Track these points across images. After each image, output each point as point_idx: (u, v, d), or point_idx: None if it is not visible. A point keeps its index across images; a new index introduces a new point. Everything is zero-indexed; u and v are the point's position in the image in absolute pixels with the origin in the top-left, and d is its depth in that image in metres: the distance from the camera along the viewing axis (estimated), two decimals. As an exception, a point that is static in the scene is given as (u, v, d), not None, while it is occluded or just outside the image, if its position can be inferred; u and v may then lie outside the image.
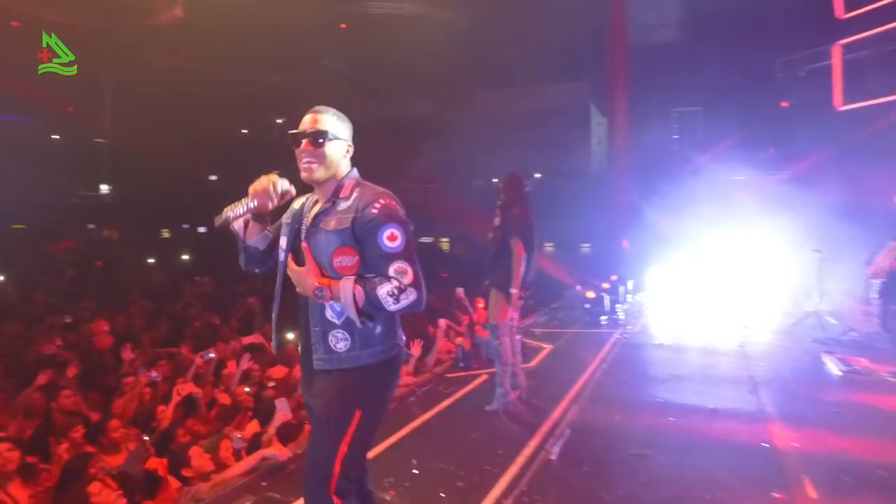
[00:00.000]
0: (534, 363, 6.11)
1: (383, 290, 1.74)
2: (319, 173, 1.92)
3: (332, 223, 1.88)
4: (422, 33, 16.25)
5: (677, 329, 8.15)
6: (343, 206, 1.91)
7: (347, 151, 2.02)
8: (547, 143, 20.50)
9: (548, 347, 6.87)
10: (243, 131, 26.81)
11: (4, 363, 6.41)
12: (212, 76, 20.06)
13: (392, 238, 1.79)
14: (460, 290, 8.47)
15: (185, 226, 25.10)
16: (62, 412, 4.90)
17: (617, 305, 9.21)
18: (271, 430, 4.15)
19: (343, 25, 18.32)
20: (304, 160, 1.93)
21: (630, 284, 10.51)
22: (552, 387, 5.08)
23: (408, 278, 1.76)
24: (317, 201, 2.01)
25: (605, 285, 9.27)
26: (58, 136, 24.85)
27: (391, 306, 1.75)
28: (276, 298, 2.03)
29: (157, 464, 4.13)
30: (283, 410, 4.17)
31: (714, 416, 4.37)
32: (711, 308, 9.25)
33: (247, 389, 4.87)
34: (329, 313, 1.88)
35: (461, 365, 6.02)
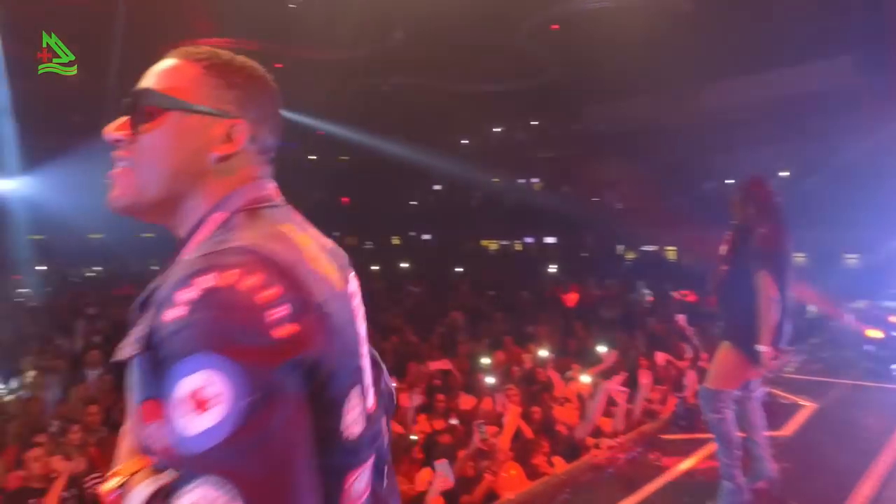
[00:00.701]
0: (788, 431, 4.44)
1: None
2: (132, 195, 0.87)
3: (128, 339, 0.78)
4: (641, 25, 14.65)
5: None
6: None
7: (229, 141, 0.88)
8: (797, 135, 17.23)
9: (809, 406, 5.03)
10: (463, 142, 27.80)
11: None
12: (433, 92, 20.98)
13: (195, 402, 0.65)
14: (681, 318, 6.98)
15: (412, 233, 26.90)
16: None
17: (914, 347, 6.73)
18: (430, 499, 3.44)
19: (555, 27, 17.45)
20: (117, 163, 0.89)
21: (931, 316, 7.74)
22: (823, 479, 3.49)
23: None
24: None
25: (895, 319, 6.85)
26: (315, 157, 28.84)
27: None
28: None
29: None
30: (442, 475, 3.43)
31: None
32: None
33: (413, 438, 4.23)
34: None
35: (681, 423, 4.68)
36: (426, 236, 26.92)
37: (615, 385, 4.74)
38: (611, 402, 4.67)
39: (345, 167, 28.85)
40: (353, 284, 0.97)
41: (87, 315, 9.63)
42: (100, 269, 18.95)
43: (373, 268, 19.35)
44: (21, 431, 4.42)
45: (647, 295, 12.68)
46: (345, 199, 29.10)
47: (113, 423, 4.73)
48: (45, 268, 16.63)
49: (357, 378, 0.84)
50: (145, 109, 0.86)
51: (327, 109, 21.17)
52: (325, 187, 27.67)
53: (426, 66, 19.39)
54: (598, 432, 4.49)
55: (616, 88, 19.57)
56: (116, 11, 11.45)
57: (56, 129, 15.81)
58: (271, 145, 0.96)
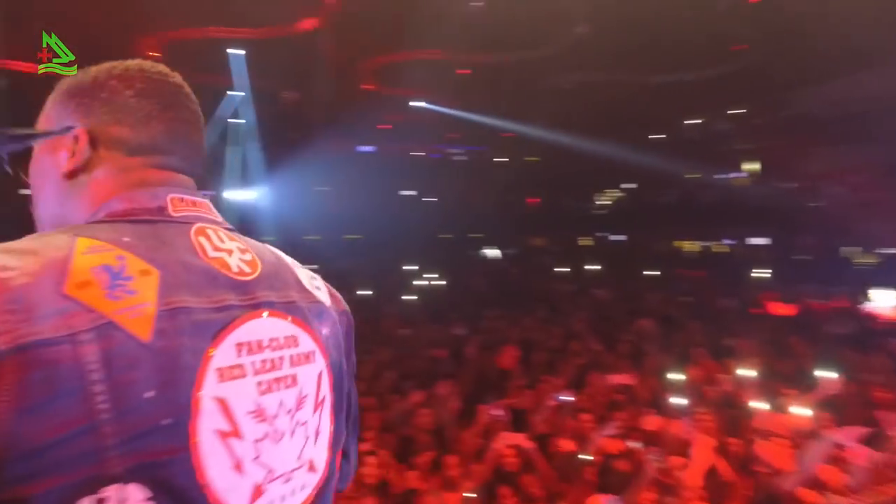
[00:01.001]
0: None
1: None
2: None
3: None
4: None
5: None
6: None
7: (72, 156, 0.76)
8: None
9: None
10: (656, 136, 26.25)
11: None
12: (622, 86, 20.12)
13: None
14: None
15: (600, 234, 26.15)
16: (421, 431, 4.92)
17: None
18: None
19: (754, 0, 15.32)
20: None
21: None
22: None
23: None
24: None
25: None
26: (504, 159, 29.71)
27: None
28: None
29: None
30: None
31: None
32: None
33: (586, 458, 3.91)
34: None
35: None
36: (617, 237, 25.93)
37: (850, 438, 3.74)
38: (840, 447, 3.75)
39: (533, 168, 29.03)
40: (255, 331, 0.76)
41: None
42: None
43: (560, 270, 19.10)
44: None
45: (891, 307, 10.46)
46: (534, 200, 29.24)
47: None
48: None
49: (141, 472, 0.60)
50: (21, 153, 0.80)
51: (514, 111, 21.40)
52: (514, 189, 28.13)
53: (614, 60, 18.55)
54: (817, 483, 3.65)
55: (834, 65, 16.72)
56: (319, 38, 12.66)
57: (275, 144, 18.10)
58: (156, 143, 0.80)
